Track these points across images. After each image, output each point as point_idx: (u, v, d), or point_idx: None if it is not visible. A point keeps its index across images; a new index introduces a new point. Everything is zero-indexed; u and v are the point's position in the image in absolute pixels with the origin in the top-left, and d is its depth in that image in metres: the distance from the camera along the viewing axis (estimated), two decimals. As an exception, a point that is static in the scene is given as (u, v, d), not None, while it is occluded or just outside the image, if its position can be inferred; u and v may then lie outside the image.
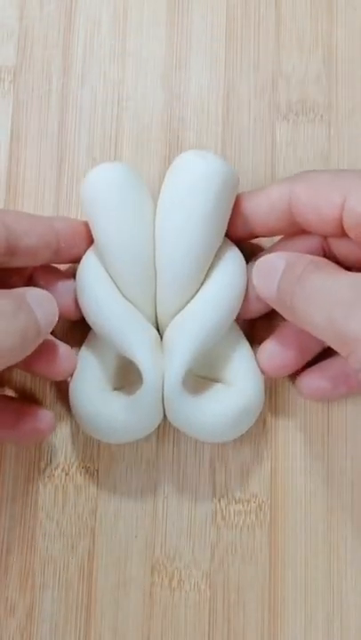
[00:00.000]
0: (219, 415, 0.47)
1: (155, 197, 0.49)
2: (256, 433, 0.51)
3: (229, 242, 0.50)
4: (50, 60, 0.55)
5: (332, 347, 0.42)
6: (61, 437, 0.51)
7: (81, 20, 0.56)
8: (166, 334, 0.48)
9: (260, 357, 0.49)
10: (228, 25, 0.55)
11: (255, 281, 0.47)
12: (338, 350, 0.42)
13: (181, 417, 0.47)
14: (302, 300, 0.43)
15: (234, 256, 0.49)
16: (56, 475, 0.51)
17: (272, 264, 0.46)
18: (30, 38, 0.55)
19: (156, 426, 0.48)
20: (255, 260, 0.47)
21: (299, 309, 0.43)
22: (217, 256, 0.48)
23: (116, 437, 0.48)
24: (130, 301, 0.48)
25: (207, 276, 0.48)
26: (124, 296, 0.48)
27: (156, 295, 0.49)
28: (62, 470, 0.51)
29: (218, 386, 0.49)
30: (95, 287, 0.48)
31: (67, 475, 0.51)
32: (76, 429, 0.51)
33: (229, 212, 0.48)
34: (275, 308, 0.46)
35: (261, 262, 0.47)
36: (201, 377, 0.50)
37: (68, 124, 0.54)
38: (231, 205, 0.48)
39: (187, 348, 0.46)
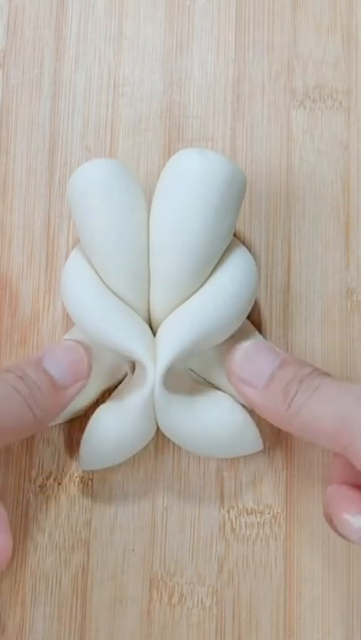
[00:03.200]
0: (214, 423, 0.46)
1: (151, 190, 0.48)
2: (270, 439, 0.50)
3: (238, 242, 0.49)
4: (41, 41, 0.54)
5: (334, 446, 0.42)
6: (54, 444, 0.50)
7: (74, 0, 0.55)
8: (158, 332, 0.48)
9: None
10: (238, 4, 0.54)
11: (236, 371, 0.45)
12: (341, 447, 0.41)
13: (166, 422, 0.46)
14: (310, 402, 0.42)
15: (241, 256, 0.48)
16: (48, 484, 0.50)
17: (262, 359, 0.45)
18: (20, 18, 0.54)
19: (152, 434, 0.48)
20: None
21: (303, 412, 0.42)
22: (224, 255, 0.48)
23: (111, 456, 0.48)
24: (120, 299, 0.48)
25: (211, 275, 0.48)
26: (114, 293, 0.47)
27: (150, 294, 0.48)
28: (55, 480, 0.50)
29: (221, 393, 0.48)
30: (82, 285, 0.47)
31: (59, 484, 0.50)
32: (69, 435, 0.50)
33: (237, 212, 0.47)
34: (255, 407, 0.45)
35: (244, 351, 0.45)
36: (211, 385, 0.49)
37: (60, 111, 0.53)
38: (239, 205, 0.47)
39: (173, 348, 0.46)
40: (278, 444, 0.50)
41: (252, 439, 0.47)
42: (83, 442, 0.48)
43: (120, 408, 0.47)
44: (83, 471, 0.49)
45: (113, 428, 0.47)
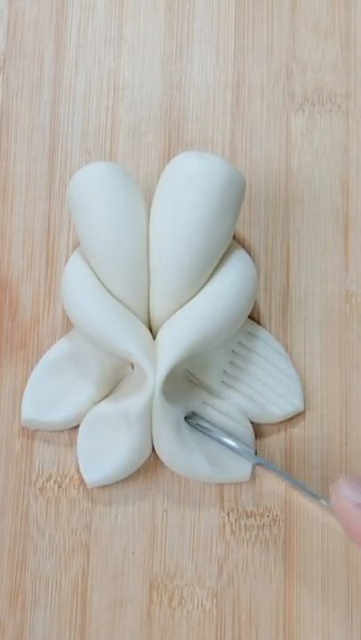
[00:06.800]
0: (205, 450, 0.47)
1: (151, 193, 0.48)
2: (269, 443, 0.49)
3: (237, 245, 0.49)
4: (41, 45, 0.54)
5: None
6: (54, 446, 0.50)
7: (74, 3, 0.55)
8: (158, 336, 0.48)
9: None
10: (237, 7, 0.54)
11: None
12: None
13: (160, 432, 0.47)
14: None
15: (240, 259, 0.48)
16: (48, 487, 0.50)
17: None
18: (21, 22, 0.55)
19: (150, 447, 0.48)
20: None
21: None
22: (223, 258, 0.48)
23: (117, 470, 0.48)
24: (120, 302, 0.48)
25: (211, 278, 0.47)
26: (114, 297, 0.47)
27: (150, 297, 0.48)
28: (55, 482, 0.50)
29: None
30: (82, 288, 0.47)
31: (59, 487, 0.50)
32: (70, 438, 0.50)
33: (237, 215, 0.48)
34: None
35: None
36: (206, 386, 0.49)
37: (60, 115, 0.53)
38: (239, 207, 0.47)
39: (172, 353, 0.46)
40: (278, 447, 0.49)
41: (243, 468, 0.48)
42: (83, 457, 0.48)
43: (119, 417, 0.47)
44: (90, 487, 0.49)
45: (113, 441, 0.47)
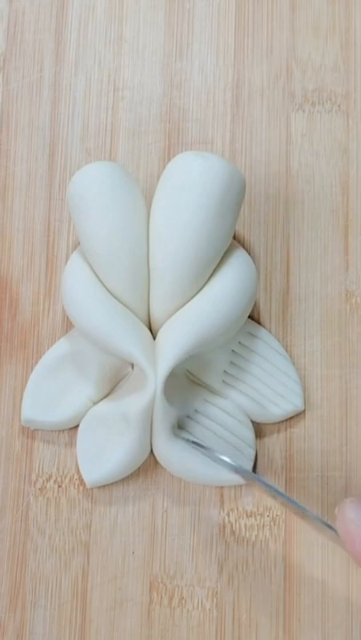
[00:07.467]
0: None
1: (151, 193, 0.48)
2: (269, 443, 0.49)
3: (237, 244, 0.49)
4: (41, 45, 0.54)
5: None
6: (54, 446, 0.50)
7: (75, 3, 0.54)
8: (158, 336, 0.48)
9: None
10: (237, 7, 0.54)
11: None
12: None
13: (159, 437, 0.47)
14: None
15: (240, 259, 0.48)
16: (48, 487, 0.50)
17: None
18: (21, 22, 0.54)
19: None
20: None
21: None
22: (223, 258, 0.48)
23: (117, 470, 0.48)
24: (120, 302, 0.48)
25: (211, 278, 0.47)
26: (114, 297, 0.47)
27: (150, 296, 0.48)
28: (55, 482, 0.50)
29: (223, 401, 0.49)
30: (83, 288, 0.47)
31: (59, 487, 0.50)
32: (70, 438, 0.50)
33: (237, 215, 0.47)
34: None
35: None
36: (207, 385, 0.49)
37: (60, 115, 0.53)
38: (239, 207, 0.47)
39: (173, 354, 0.46)
40: (277, 446, 0.49)
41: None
42: (82, 457, 0.48)
43: (119, 417, 0.47)
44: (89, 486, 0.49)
45: (113, 441, 0.47)
